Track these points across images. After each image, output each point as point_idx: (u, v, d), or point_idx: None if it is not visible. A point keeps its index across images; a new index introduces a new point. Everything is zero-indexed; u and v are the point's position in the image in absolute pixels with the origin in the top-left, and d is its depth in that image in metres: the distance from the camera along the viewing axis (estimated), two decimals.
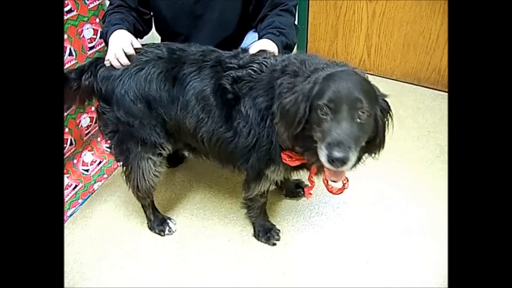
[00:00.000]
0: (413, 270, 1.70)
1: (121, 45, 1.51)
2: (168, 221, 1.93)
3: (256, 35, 1.77)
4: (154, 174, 1.65)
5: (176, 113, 1.48)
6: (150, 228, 1.93)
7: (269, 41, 1.60)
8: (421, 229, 1.86)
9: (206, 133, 1.47)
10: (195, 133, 1.49)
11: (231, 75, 1.40)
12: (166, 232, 1.90)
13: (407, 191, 2.07)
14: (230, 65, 1.43)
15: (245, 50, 1.54)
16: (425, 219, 1.91)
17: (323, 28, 3.04)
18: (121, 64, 1.51)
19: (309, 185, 1.48)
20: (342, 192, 1.42)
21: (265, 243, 1.84)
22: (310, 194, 1.54)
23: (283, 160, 1.37)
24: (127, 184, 1.73)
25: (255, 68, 1.40)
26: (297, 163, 1.37)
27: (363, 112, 1.13)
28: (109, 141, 1.65)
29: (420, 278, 1.66)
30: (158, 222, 1.91)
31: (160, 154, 1.62)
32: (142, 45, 1.59)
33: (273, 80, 1.35)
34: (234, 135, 1.43)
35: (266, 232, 1.84)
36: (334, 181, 1.24)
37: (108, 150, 1.73)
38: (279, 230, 1.88)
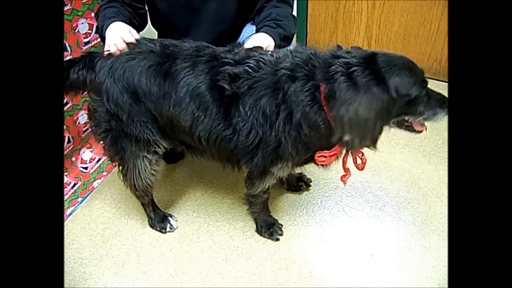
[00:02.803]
0: (417, 264, 1.68)
1: (120, 34, 1.46)
2: (169, 218, 1.91)
3: (253, 27, 1.74)
4: (150, 173, 1.62)
5: (168, 110, 1.42)
6: (151, 226, 1.91)
7: (266, 35, 1.55)
8: (425, 221, 1.84)
9: (203, 131, 1.42)
10: (191, 131, 1.44)
11: (227, 71, 1.34)
12: (168, 229, 1.89)
13: (410, 183, 2.05)
14: (225, 60, 1.38)
15: (241, 45, 1.48)
16: (429, 211, 1.89)
17: (323, 19, 3.00)
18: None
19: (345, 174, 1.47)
20: (364, 166, 1.44)
21: (268, 238, 1.83)
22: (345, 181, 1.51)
23: (319, 163, 1.37)
24: (124, 183, 1.71)
25: (252, 65, 1.34)
26: (334, 158, 1.36)
27: None
28: (102, 142, 1.60)
29: (424, 273, 1.65)
30: (159, 220, 1.89)
31: (156, 152, 1.57)
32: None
33: (281, 84, 1.28)
34: (234, 133, 1.38)
35: (268, 227, 1.83)
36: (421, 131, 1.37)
37: None
38: (281, 225, 1.86)
